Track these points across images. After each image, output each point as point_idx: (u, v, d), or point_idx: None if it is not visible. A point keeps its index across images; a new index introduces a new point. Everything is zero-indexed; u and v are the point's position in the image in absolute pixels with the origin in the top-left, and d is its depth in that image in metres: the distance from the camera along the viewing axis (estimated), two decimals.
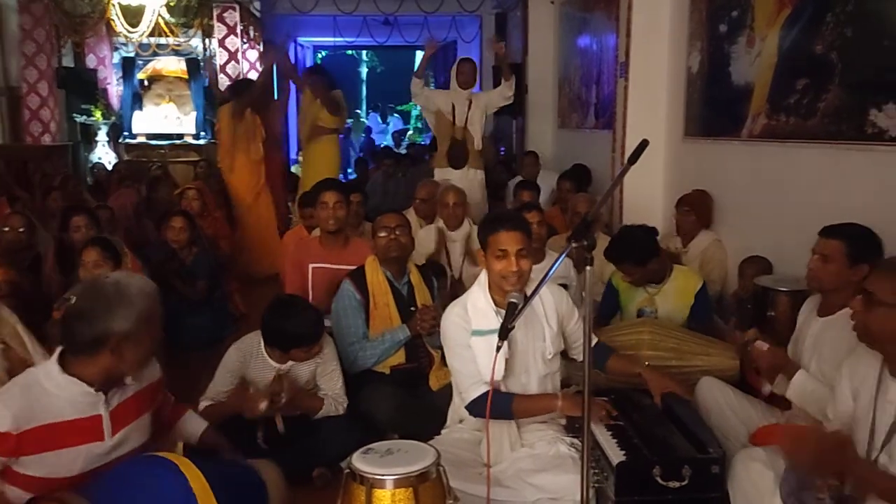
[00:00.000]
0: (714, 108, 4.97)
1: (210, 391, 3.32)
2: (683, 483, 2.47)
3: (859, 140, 3.48)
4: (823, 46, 3.73)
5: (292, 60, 12.04)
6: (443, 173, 6.33)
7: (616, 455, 2.55)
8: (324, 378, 3.43)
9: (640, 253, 3.79)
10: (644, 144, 2.04)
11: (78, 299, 2.17)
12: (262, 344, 3.34)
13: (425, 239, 4.95)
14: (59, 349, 2.21)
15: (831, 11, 3.67)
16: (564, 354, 2.96)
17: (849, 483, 2.09)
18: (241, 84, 7.83)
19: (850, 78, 3.55)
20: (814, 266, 2.82)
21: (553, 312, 2.84)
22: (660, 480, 2.47)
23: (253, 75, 9.68)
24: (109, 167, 9.59)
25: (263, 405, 3.11)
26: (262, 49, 11.05)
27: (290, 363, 3.35)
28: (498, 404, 2.58)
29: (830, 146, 3.70)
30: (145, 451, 2.33)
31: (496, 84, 6.56)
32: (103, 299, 2.15)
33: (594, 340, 3.01)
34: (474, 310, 2.78)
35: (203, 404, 3.25)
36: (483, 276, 2.83)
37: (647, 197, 5.58)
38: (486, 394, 2.54)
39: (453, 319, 2.81)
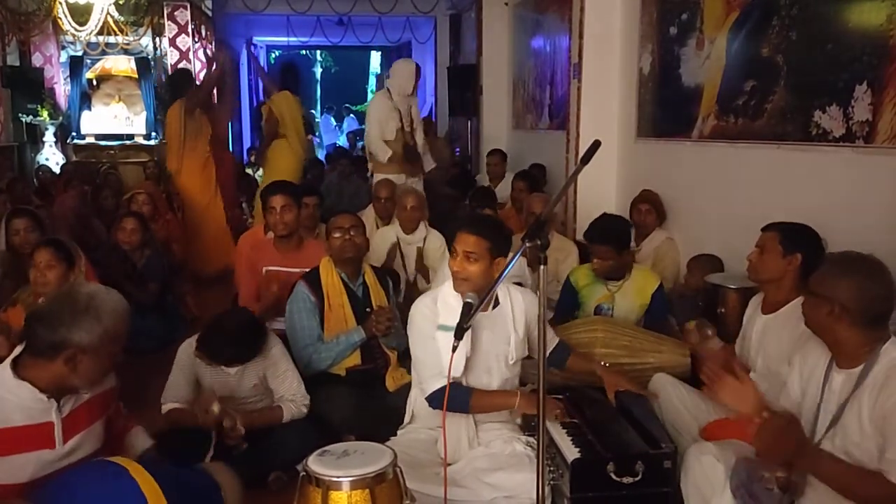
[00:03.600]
0: (665, 110, 5.05)
1: (168, 392, 3.28)
2: (637, 478, 2.52)
3: (804, 141, 3.57)
4: (770, 49, 3.82)
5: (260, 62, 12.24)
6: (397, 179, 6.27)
7: (571, 452, 2.59)
8: (276, 380, 3.36)
9: (622, 240, 3.85)
10: (596, 145, 2.06)
11: (48, 301, 2.13)
12: None
13: (381, 239, 4.93)
14: (12, 354, 2.18)
15: (777, 15, 3.75)
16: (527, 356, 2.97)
17: (795, 471, 2.15)
18: (180, 77, 7.69)
19: (796, 80, 3.64)
20: (753, 258, 2.97)
21: (522, 317, 2.85)
22: (614, 476, 2.51)
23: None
24: (57, 168, 9.38)
25: (216, 407, 3.07)
26: (214, 48, 10.90)
27: (237, 366, 3.31)
28: (457, 398, 2.61)
29: (777, 147, 3.78)
30: (97, 458, 2.29)
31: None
32: (72, 307, 2.12)
33: (557, 340, 3.05)
34: (444, 304, 2.79)
35: (166, 407, 3.24)
36: None
37: (600, 197, 5.64)
38: (445, 387, 2.55)
39: (421, 310, 2.83)
